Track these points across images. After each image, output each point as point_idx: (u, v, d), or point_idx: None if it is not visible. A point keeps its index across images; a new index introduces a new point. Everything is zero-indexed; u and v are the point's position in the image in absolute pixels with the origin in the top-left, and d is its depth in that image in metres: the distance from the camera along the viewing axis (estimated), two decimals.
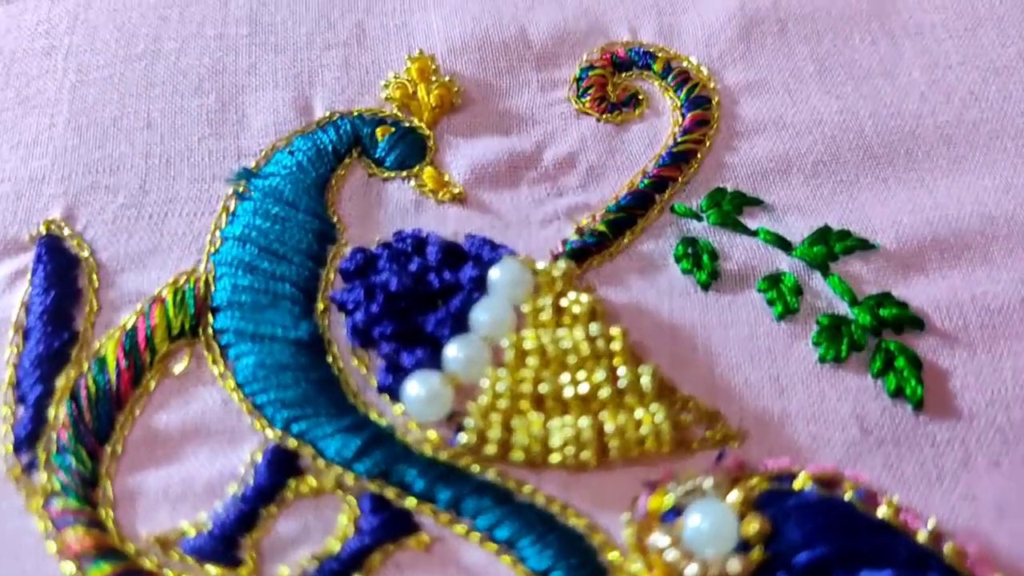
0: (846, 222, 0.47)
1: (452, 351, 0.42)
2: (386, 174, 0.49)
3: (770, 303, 0.44)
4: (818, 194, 0.48)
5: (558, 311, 0.43)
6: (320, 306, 0.44)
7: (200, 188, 0.48)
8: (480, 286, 0.44)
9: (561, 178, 0.49)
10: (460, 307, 0.43)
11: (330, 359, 0.43)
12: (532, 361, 0.41)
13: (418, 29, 0.55)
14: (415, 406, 0.41)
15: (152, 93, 0.52)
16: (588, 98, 0.52)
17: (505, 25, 0.55)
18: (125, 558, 0.38)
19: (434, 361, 0.42)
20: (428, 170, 0.49)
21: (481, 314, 0.42)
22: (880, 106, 0.51)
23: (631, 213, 0.47)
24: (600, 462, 0.40)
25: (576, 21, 0.55)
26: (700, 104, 0.51)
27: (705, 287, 0.45)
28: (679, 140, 0.50)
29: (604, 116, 0.51)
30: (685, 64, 0.53)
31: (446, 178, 0.49)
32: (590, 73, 0.53)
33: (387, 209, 0.48)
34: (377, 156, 0.49)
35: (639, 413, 0.40)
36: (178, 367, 0.43)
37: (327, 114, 0.51)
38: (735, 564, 0.36)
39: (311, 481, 0.40)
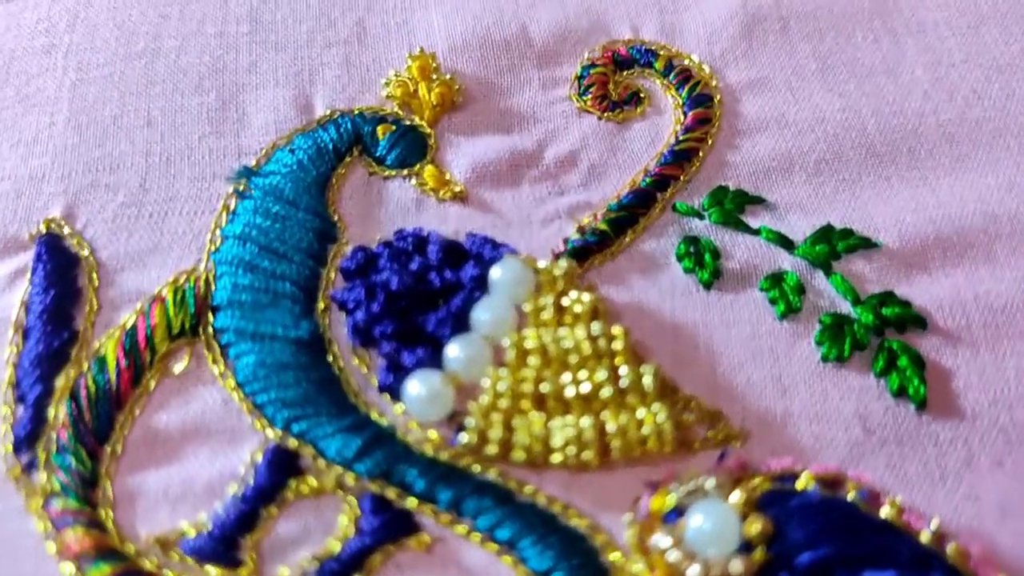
0: (849, 221, 0.47)
1: (453, 350, 0.41)
2: (387, 172, 0.49)
3: (772, 302, 0.44)
4: (820, 192, 0.48)
5: (559, 310, 0.43)
6: (321, 305, 0.44)
7: (200, 186, 0.48)
8: (481, 285, 0.44)
9: (562, 176, 0.49)
10: (461, 306, 0.43)
11: (331, 358, 0.43)
12: (533, 360, 0.41)
13: (419, 27, 0.55)
14: (416, 406, 0.41)
15: (152, 91, 0.52)
16: (589, 96, 0.52)
17: (506, 23, 0.55)
18: (125, 559, 0.38)
19: (435, 360, 0.42)
20: (429, 168, 0.49)
21: (482, 313, 0.42)
22: (883, 104, 0.51)
23: (633, 212, 0.47)
24: (602, 462, 0.40)
25: (578, 19, 0.55)
26: (702, 102, 0.51)
27: (707, 286, 0.45)
28: (681, 138, 0.50)
29: (606, 114, 0.51)
30: (687, 62, 0.53)
31: (447, 177, 0.49)
32: (591, 71, 0.53)
33: (388, 208, 0.48)
34: (378, 154, 0.49)
35: (641, 413, 0.40)
36: (178, 366, 0.43)
37: (328, 112, 0.51)
38: (737, 565, 0.36)
39: (311, 481, 0.40)
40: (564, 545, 0.38)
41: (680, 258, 0.46)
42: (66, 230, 0.46)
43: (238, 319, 0.43)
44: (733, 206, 0.47)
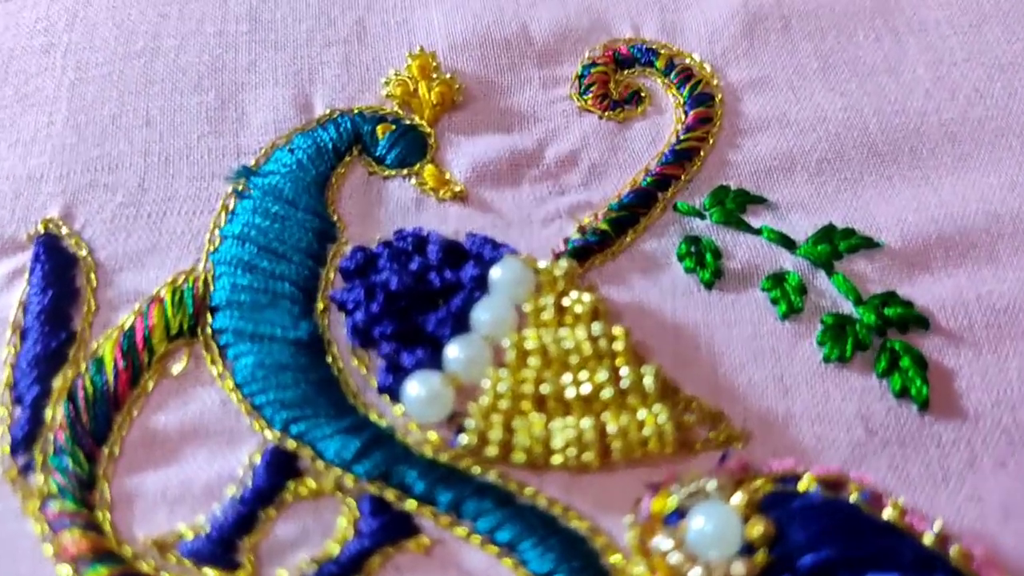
0: (850, 220, 0.46)
1: (453, 351, 0.41)
2: (387, 172, 0.49)
3: (774, 302, 0.44)
4: (822, 192, 0.48)
5: (560, 310, 0.43)
6: (320, 305, 0.44)
7: (199, 186, 0.48)
8: (481, 285, 0.43)
9: (563, 176, 0.49)
10: (461, 306, 0.43)
11: (330, 359, 0.43)
12: (534, 361, 0.41)
13: (419, 26, 0.55)
14: (415, 407, 0.40)
15: (151, 91, 0.52)
16: (590, 95, 0.52)
17: (507, 22, 0.55)
18: (122, 561, 0.38)
19: (435, 361, 0.41)
20: (429, 168, 0.49)
21: (482, 313, 0.42)
22: (884, 103, 0.51)
23: (633, 211, 0.47)
24: (602, 463, 0.39)
25: (578, 18, 0.55)
26: (703, 101, 0.51)
27: (708, 286, 0.45)
28: (682, 138, 0.49)
29: (606, 113, 0.51)
30: (688, 61, 0.53)
31: (447, 176, 0.49)
32: (592, 70, 0.52)
33: (388, 207, 0.48)
34: (378, 154, 0.49)
35: (642, 414, 0.40)
36: (176, 367, 0.43)
37: (327, 112, 0.51)
38: (739, 567, 0.36)
39: (310, 483, 0.39)
40: (565, 547, 0.38)
41: (681, 258, 0.46)
42: (64, 230, 0.46)
43: (237, 320, 0.43)
44: (734, 206, 0.47)
